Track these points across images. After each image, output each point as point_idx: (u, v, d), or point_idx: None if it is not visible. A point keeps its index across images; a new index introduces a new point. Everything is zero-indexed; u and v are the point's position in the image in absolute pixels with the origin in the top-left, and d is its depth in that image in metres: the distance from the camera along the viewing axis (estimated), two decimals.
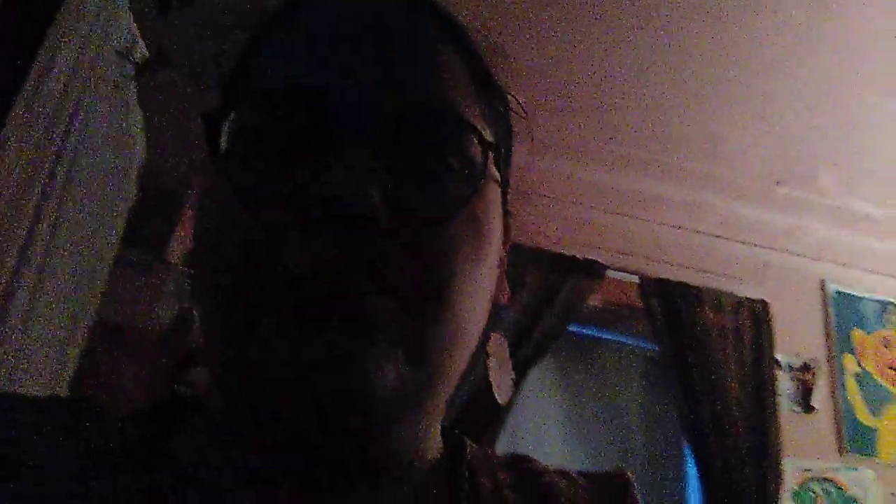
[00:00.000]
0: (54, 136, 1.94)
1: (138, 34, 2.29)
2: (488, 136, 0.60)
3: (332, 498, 0.56)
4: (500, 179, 0.62)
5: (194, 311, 0.62)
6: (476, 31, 0.65)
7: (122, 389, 2.76)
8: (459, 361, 0.58)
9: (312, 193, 0.50)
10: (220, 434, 0.59)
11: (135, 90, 2.43)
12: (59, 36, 1.92)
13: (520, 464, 0.73)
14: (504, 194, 0.65)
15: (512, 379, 0.73)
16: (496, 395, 0.71)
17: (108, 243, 2.61)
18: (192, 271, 0.59)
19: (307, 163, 0.52)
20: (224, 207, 0.54)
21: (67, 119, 1.98)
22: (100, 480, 0.54)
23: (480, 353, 0.63)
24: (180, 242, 2.91)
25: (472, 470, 0.67)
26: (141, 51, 2.29)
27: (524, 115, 0.69)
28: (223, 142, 0.55)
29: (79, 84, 2.01)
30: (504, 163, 0.64)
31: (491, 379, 0.70)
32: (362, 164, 0.51)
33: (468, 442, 0.70)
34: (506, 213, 0.66)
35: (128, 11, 2.21)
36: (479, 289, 0.58)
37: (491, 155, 0.59)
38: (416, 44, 0.59)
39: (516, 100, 0.68)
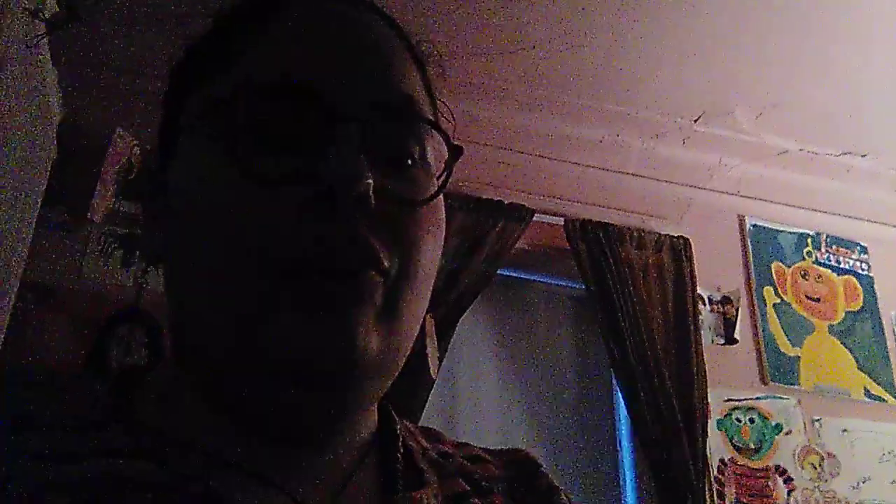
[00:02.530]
0: None
1: None
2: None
3: (300, 450, 0.61)
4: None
5: (170, 297, 0.65)
6: (417, 38, 0.72)
7: (49, 349, 2.74)
8: (415, 335, 0.64)
9: (318, 176, 0.55)
10: (190, 398, 0.62)
11: (47, 48, 2.39)
12: None
13: (434, 436, 0.80)
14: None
15: (437, 354, 0.81)
16: (430, 369, 0.77)
17: (30, 203, 2.58)
18: (182, 258, 0.62)
19: (309, 150, 0.57)
20: (232, 193, 0.57)
21: None
22: (65, 437, 0.56)
23: None
24: (102, 200, 2.89)
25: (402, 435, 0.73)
26: (52, 7, 2.26)
27: (452, 121, 0.73)
28: (230, 129, 0.58)
29: None
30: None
31: (428, 357, 0.77)
32: (356, 151, 0.55)
33: (391, 408, 0.76)
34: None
35: None
36: (435, 263, 0.64)
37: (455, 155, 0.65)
38: (389, 45, 0.66)
39: (447, 107, 0.74)
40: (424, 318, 0.66)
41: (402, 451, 0.70)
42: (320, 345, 0.54)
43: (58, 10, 2.30)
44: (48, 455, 0.54)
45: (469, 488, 0.70)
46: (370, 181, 0.54)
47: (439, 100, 0.73)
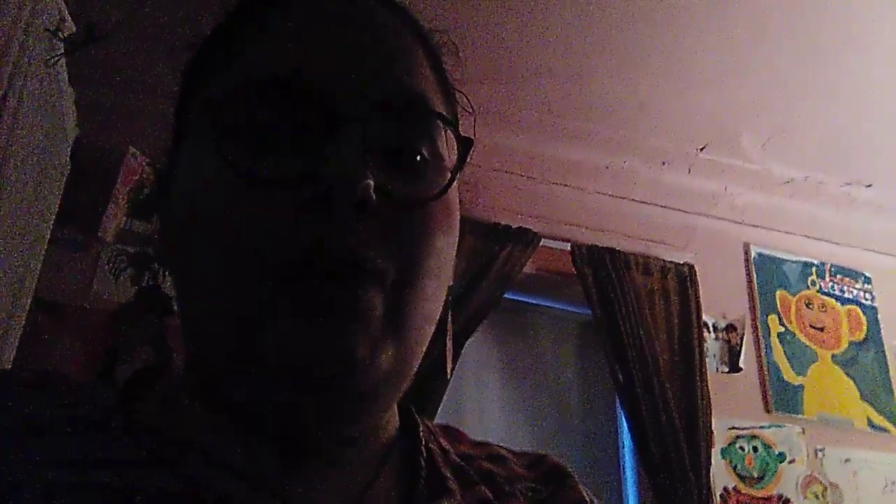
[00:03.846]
0: None
1: (66, 12, 2.28)
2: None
3: (310, 461, 0.60)
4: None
5: (177, 301, 0.64)
6: (432, 28, 0.70)
7: (59, 366, 2.74)
8: (428, 337, 0.62)
9: (317, 177, 0.53)
10: (196, 403, 0.62)
11: (65, 67, 2.42)
12: None
13: (454, 435, 0.78)
14: None
15: (453, 353, 0.79)
16: (448, 368, 0.76)
17: (44, 221, 2.60)
18: (184, 261, 0.62)
19: (308, 150, 0.56)
20: (228, 194, 0.56)
21: (0, 100, 1.97)
22: (78, 443, 0.56)
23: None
24: (113, 219, 2.91)
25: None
26: (70, 28, 2.28)
27: (472, 111, 0.74)
28: (227, 129, 0.57)
29: (10, 64, 2.00)
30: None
31: (447, 355, 0.75)
32: (356, 151, 0.54)
33: (413, 410, 0.74)
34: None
35: None
36: (448, 270, 0.62)
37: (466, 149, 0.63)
38: (397, 38, 0.64)
39: (465, 97, 0.74)
40: (444, 317, 0.65)
41: (424, 455, 0.68)
42: (318, 351, 0.53)
43: (75, 30, 2.32)
44: (61, 461, 0.53)
45: (491, 496, 0.68)
46: (370, 182, 0.53)
47: (457, 90, 0.73)
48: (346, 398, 0.55)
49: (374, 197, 0.53)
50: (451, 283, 0.68)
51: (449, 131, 0.63)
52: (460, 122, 0.73)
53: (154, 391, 0.65)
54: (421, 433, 0.71)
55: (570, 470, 0.78)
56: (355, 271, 0.54)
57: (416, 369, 0.62)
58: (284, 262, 0.53)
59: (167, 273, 0.71)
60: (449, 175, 0.62)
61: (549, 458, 0.79)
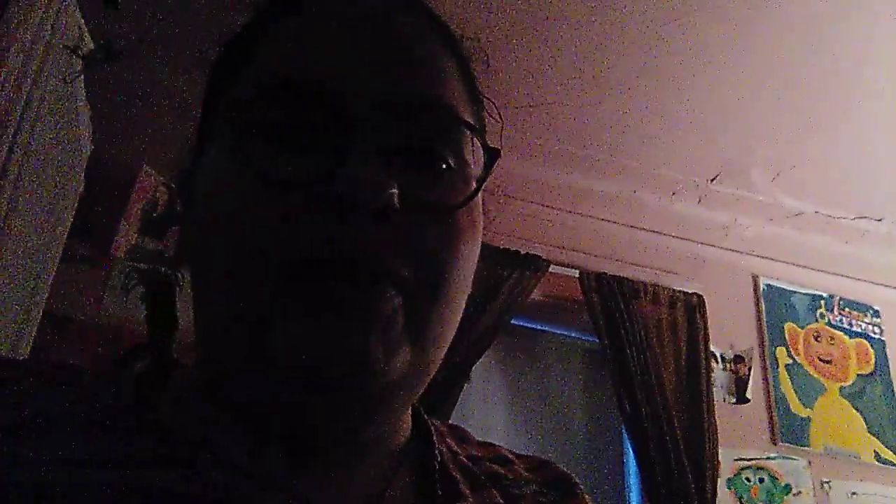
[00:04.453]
0: (6, 131, 1.95)
1: (86, 29, 2.30)
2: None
3: (320, 463, 0.60)
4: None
5: (192, 301, 0.62)
6: (462, 33, 0.69)
7: None
8: (448, 343, 0.61)
9: (335, 183, 0.52)
10: (207, 403, 0.61)
11: (82, 84, 2.44)
12: (8, 33, 1.94)
13: (461, 435, 0.77)
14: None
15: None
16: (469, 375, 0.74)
17: (57, 236, 2.61)
18: (199, 261, 0.61)
19: (324, 152, 0.55)
20: (243, 195, 0.55)
21: (19, 115, 1.99)
22: (106, 440, 0.56)
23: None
24: (125, 236, 2.92)
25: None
26: (88, 45, 2.31)
27: (499, 119, 0.72)
28: (241, 131, 0.57)
29: (30, 80, 2.02)
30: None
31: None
32: (378, 157, 0.53)
33: (423, 412, 0.74)
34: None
35: (75, 6, 2.23)
36: (469, 277, 0.61)
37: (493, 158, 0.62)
38: (419, 42, 0.63)
39: (493, 104, 0.72)
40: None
41: (439, 460, 0.68)
42: (328, 351, 0.52)
43: (93, 47, 2.35)
44: (73, 459, 0.53)
45: (503, 501, 0.68)
46: (394, 192, 0.52)
47: (486, 97, 0.71)
48: (357, 399, 0.54)
49: (397, 204, 0.52)
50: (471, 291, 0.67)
51: (475, 139, 0.62)
52: (487, 130, 0.72)
53: (166, 390, 0.65)
54: (434, 438, 0.70)
55: (576, 479, 0.77)
56: (370, 272, 0.53)
57: (432, 376, 0.61)
58: (295, 260, 0.53)
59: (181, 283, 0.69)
60: (474, 184, 0.61)
61: (554, 464, 0.78)
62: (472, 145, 0.62)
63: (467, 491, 0.66)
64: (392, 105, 0.57)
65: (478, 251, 0.63)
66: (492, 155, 0.61)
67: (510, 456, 0.77)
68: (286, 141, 0.56)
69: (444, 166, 0.59)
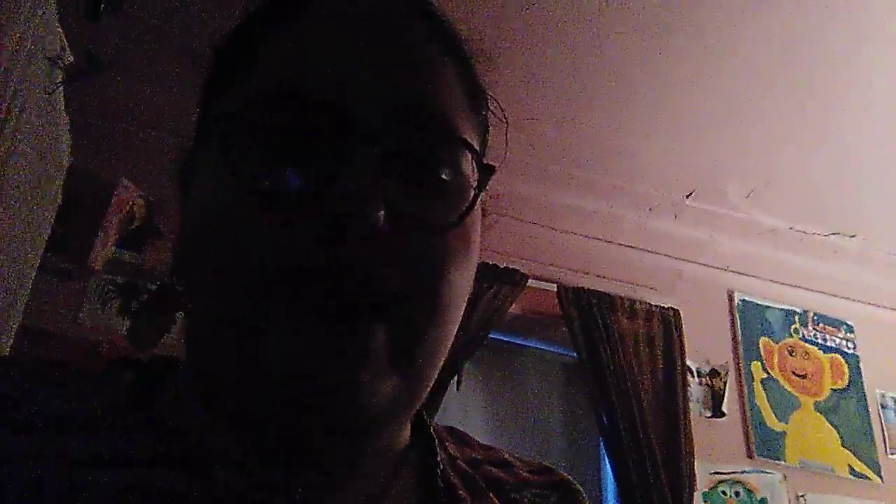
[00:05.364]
0: None
1: (66, 42, 2.29)
2: (478, 147, 0.64)
3: (314, 471, 0.58)
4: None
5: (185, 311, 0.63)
6: (465, 34, 0.68)
7: None
8: (444, 357, 0.59)
9: (324, 198, 0.51)
10: (201, 409, 0.60)
11: (62, 96, 2.43)
12: None
13: (461, 438, 0.76)
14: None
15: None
16: (460, 382, 0.72)
17: (34, 249, 2.59)
18: (188, 269, 0.61)
19: (317, 163, 0.53)
20: (230, 205, 0.54)
21: (0, 127, 1.98)
22: (106, 439, 0.55)
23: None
24: (102, 249, 2.90)
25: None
26: (69, 57, 2.30)
27: (504, 120, 0.72)
28: (233, 140, 0.56)
29: (11, 92, 2.02)
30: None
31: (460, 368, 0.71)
32: (370, 172, 0.51)
33: (424, 416, 0.72)
34: (483, 215, 0.67)
35: (56, 19, 2.22)
36: (463, 296, 0.59)
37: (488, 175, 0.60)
38: (419, 48, 0.61)
39: (498, 104, 0.72)
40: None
41: (441, 469, 0.67)
42: (326, 374, 0.51)
43: (73, 60, 2.34)
44: (76, 459, 0.53)
45: None
46: (381, 213, 0.50)
47: (490, 96, 0.70)
48: (345, 422, 0.53)
49: (384, 226, 0.51)
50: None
51: (471, 156, 0.60)
52: (490, 130, 0.72)
53: (166, 389, 0.64)
54: (436, 445, 0.69)
55: (578, 486, 0.77)
56: (358, 284, 0.51)
57: (424, 396, 0.60)
58: (282, 268, 0.52)
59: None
60: (471, 197, 0.59)
61: (556, 470, 0.77)
62: (471, 156, 0.60)
63: (466, 496, 0.66)
64: (391, 114, 0.55)
65: (473, 267, 0.61)
66: (487, 172, 0.60)
67: (511, 459, 0.76)
68: (281, 152, 0.54)
69: (438, 177, 0.57)
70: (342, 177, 0.51)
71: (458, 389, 3.02)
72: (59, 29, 2.27)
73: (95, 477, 0.52)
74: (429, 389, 0.60)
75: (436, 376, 0.60)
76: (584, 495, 0.76)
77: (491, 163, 0.61)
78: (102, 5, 2.49)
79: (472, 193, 0.59)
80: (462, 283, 0.58)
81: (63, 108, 2.50)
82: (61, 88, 2.34)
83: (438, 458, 0.68)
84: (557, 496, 0.74)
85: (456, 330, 0.60)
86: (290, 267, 0.51)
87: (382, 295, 0.52)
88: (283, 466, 0.57)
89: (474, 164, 0.60)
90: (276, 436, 0.56)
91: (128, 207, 3.04)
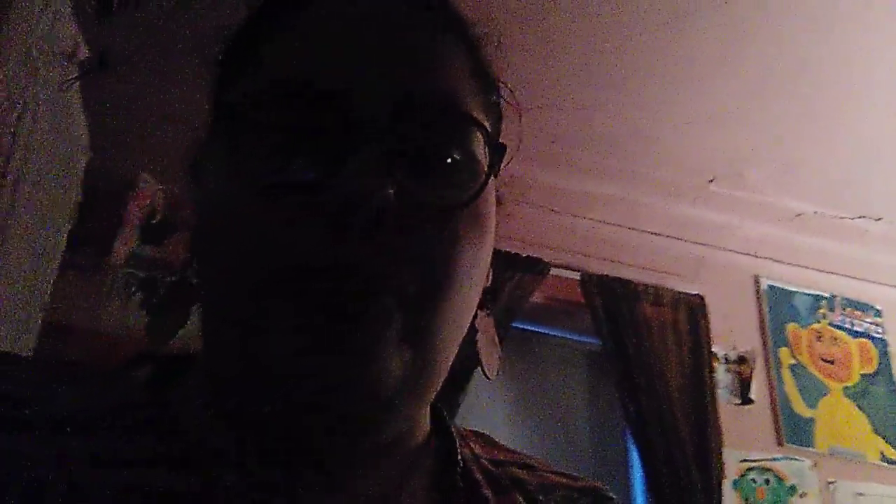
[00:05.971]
0: (3, 140, 1.94)
1: (81, 37, 2.30)
2: (489, 128, 0.62)
3: (321, 471, 0.58)
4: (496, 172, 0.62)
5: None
6: (473, 18, 0.67)
7: None
8: (456, 346, 0.59)
9: (331, 189, 0.50)
10: (213, 407, 0.60)
11: (78, 92, 2.43)
12: (5, 40, 1.93)
13: (487, 440, 0.76)
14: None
15: (499, 354, 0.74)
16: (486, 369, 0.71)
17: (55, 245, 2.61)
18: (199, 263, 0.62)
19: (323, 157, 0.53)
20: (236, 201, 0.55)
21: (15, 122, 1.98)
22: (107, 439, 0.55)
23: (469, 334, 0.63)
24: (124, 244, 2.91)
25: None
26: (84, 53, 2.30)
27: (516, 104, 0.71)
28: (238, 135, 0.56)
29: (26, 87, 2.02)
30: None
31: (480, 354, 0.70)
32: (377, 161, 0.51)
33: (444, 413, 0.72)
34: (497, 202, 0.66)
35: (71, 15, 2.22)
36: (477, 278, 0.59)
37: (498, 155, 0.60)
38: (425, 38, 0.60)
39: (509, 89, 0.71)
40: (475, 320, 0.63)
41: (461, 465, 0.66)
42: (330, 372, 0.51)
43: (88, 55, 2.34)
44: (82, 459, 0.53)
45: None
46: (388, 198, 0.50)
47: (500, 81, 0.69)
48: (350, 419, 0.53)
49: (391, 210, 0.50)
50: (487, 284, 0.65)
51: (482, 136, 0.59)
52: (504, 114, 0.71)
53: (178, 390, 0.64)
54: (456, 444, 0.68)
55: (611, 493, 0.76)
56: (364, 282, 0.51)
57: (444, 375, 0.59)
58: (289, 266, 0.51)
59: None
60: (482, 178, 0.58)
61: (586, 478, 0.77)
62: (483, 138, 0.60)
63: (489, 494, 0.65)
64: (398, 105, 0.55)
65: (488, 253, 0.60)
66: (499, 151, 0.60)
67: (535, 463, 0.75)
68: (288, 145, 0.54)
69: (449, 161, 0.57)
70: (350, 165, 0.51)
71: (490, 375, 3.00)
72: (75, 26, 2.27)
73: (95, 477, 0.52)
74: (442, 375, 0.59)
75: (450, 361, 0.59)
76: (618, 502, 0.75)
77: (504, 142, 0.61)
78: (115, 1, 2.49)
79: (484, 174, 0.58)
80: (476, 257, 0.58)
81: (80, 104, 2.51)
82: (78, 85, 2.35)
83: (459, 457, 0.67)
84: (589, 500, 0.73)
85: (473, 310, 0.60)
86: (295, 266, 0.51)
87: (392, 280, 0.52)
88: (283, 466, 0.57)
89: (485, 146, 0.59)
90: (276, 435, 0.56)
91: (148, 202, 3.05)
